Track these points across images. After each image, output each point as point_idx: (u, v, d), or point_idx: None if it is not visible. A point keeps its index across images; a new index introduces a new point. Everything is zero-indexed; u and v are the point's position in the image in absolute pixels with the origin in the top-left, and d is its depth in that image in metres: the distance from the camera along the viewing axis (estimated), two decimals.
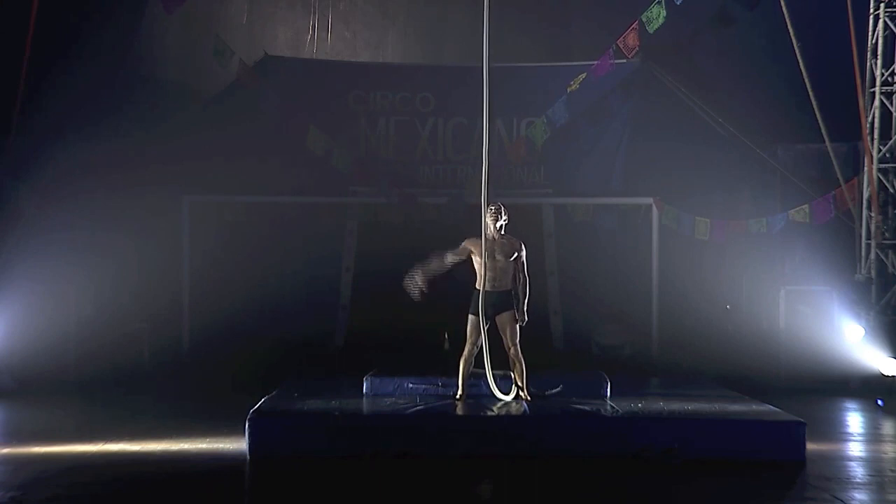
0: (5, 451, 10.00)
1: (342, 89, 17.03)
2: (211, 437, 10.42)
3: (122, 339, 14.82)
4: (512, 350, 10.58)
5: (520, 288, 10.66)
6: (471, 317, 10.59)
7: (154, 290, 15.41)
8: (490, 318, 10.52)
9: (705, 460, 9.40)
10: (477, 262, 10.56)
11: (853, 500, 8.38)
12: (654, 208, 16.18)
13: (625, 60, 15.39)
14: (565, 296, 16.47)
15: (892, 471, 9.49)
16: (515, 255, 10.60)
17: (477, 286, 10.56)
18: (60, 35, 14.38)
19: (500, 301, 10.56)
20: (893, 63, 14.59)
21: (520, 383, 10.62)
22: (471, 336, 10.59)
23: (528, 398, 10.56)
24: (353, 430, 9.70)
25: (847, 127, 14.88)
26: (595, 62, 14.98)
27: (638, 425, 9.80)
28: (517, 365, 10.61)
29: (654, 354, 15.83)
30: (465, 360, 10.64)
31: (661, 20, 13.95)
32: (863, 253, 14.87)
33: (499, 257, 10.54)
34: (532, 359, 10.86)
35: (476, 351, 10.59)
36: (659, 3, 13.93)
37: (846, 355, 14.19)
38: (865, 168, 14.71)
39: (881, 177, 14.65)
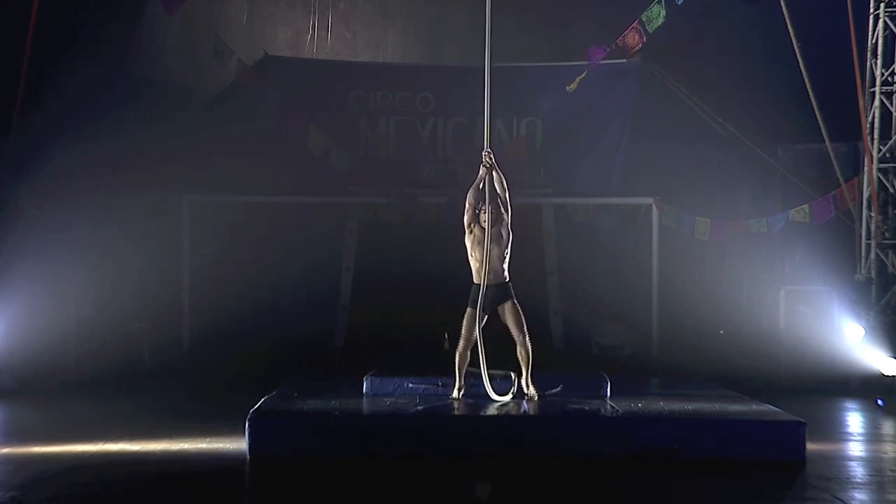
0: (5, 451, 10.00)
1: (342, 89, 17.03)
2: (211, 437, 10.41)
3: (122, 339, 14.83)
4: (520, 338, 10.55)
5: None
6: (469, 310, 10.59)
7: (154, 290, 15.41)
8: (489, 310, 10.53)
9: (705, 460, 9.39)
10: (474, 256, 10.57)
11: (853, 500, 8.37)
12: (654, 208, 16.19)
13: (625, 60, 15.40)
14: (565, 296, 16.47)
15: (892, 471, 9.49)
16: (505, 241, 10.58)
17: (475, 280, 10.58)
18: (60, 35, 14.38)
19: (499, 294, 10.56)
20: (893, 63, 14.59)
21: (523, 375, 10.60)
22: (466, 329, 10.58)
23: (534, 394, 10.54)
24: (353, 430, 9.70)
25: (847, 127, 14.88)
26: (591, 60, 14.99)
27: (638, 425, 9.80)
28: (524, 355, 10.56)
29: (654, 354, 15.83)
30: (461, 356, 10.62)
31: (660, 20, 13.96)
32: (863, 253, 14.87)
33: (494, 250, 10.55)
34: (532, 359, 10.83)
35: (470, 346, 10.57)
36: (659, 2, 13.94)
37: (846, 355, 14.19)
38: (865, 168, 14.71)
39: (881, 177, 14.65)
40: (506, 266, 10.59)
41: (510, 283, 10.62)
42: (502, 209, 10.62)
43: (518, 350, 10.62)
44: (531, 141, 15.98)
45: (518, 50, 16.82)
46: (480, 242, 10.54)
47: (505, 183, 10.65)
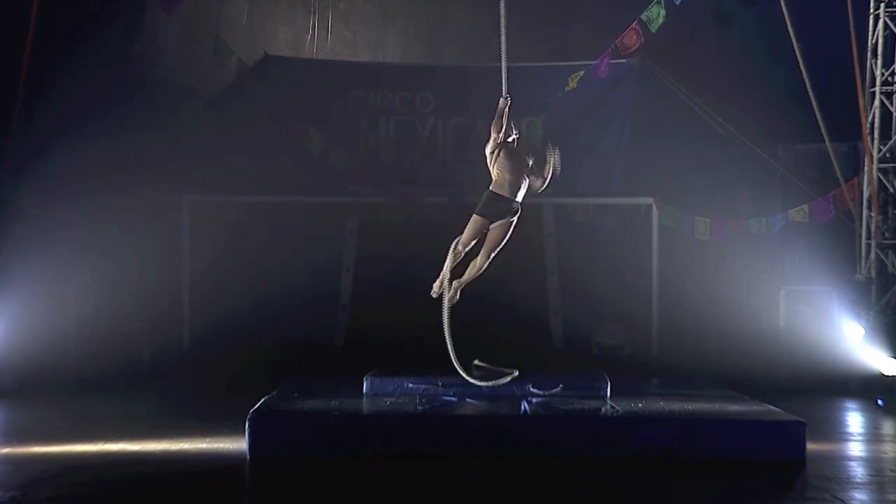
0: (5, 451, 10.01)
1: (342, 89, 17.02)
2: (211, 437, 10.42)
3: (122, 339, 14.82)
4: (486, 253, 10.46)
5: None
6: (476, 216, 10.45)
7: (154, 290, 15.40)
8: (494, 220, 10.41)
9: (705, 460, 9.41)
10: (504, 168, 10.48)
11: (853, 500, 8.38)
12: (654, 208, 16.19)
13: (624, 60, 15.41)
14: (565, 296, 16.46)
15: (892, 471, 9.50)
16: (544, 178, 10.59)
17: (493, 188, 10.49)
18: (60, 35, 14.39)
19: (512, 208, 10.46)
20: (893, 63, 14.59)
21: (460, 280, 10.57)
22: (468, 232, 10.46)
23: (451, 296, 10.57)
24: (353, 430, 9.70)
25: (847, 127, 14.88)
26: (594, 62, 15.01)
27: (638, 425, 9.80)
28: (475, 268, 10.52)
29: (654, 354, 15.83)
30: (455, 251, 10.50)
31: (660, 20, 13.97)
32: (863, 253, 14.87)
33: (527, 179, 10.51)
34: (532, 359, 10.82)
35: (466, 248, 10.46)
36: (658, 3, 13.94)
37: (846, 355, 14.19)
38: (865, 168, 14.71)
39: (881, 177, 14.65)
40: (523, 193, 10.53)
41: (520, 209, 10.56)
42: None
43: (474, 261, 10.54)
44: (531, 141, 15.95)
45: (518, 50, 16.77)
46: (512, 157, 10.45)
47: (503, 126, 10.66)
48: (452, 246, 10.53)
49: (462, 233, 10.54)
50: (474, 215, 10.46)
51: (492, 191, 10.46)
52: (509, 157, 10.47)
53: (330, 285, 16.50)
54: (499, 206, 10.39)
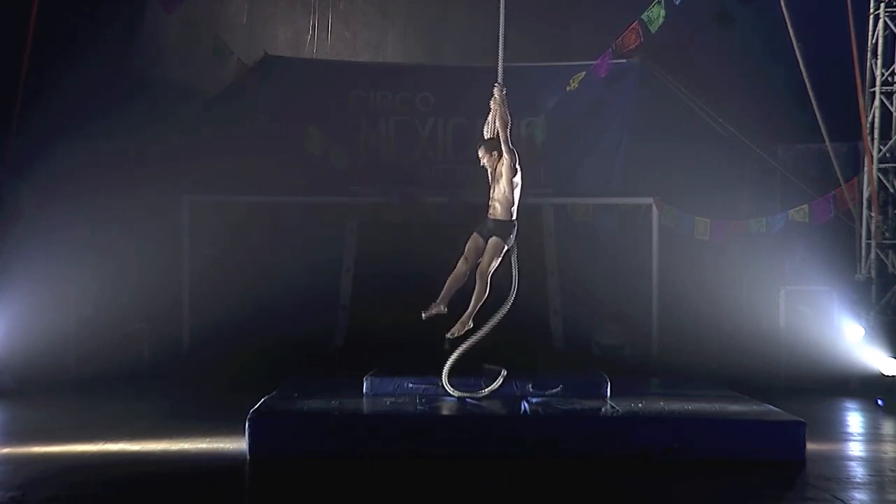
0: (5, 451, 10.01)
1: (342, 89, 17.03)
2: (211, 437, 10.42)
3: (122, 339, 14.83)
4: (483, 272, 10.41)
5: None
6: (473, 234, 10.55)
7: (154, 290, 15.41)
8: (485, 238, 10.45)
9: (705, 460, 9.41)
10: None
11: (853, 500, 8.38)
12: (654, 208, 16.19)
13: (624, 60, 15.40)
14: (565, 296, 16.47)
15: (892, 471, 9.50)
16: (506, 180, 10.48)
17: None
18: (60, 35, 14.40)
19: (495, 227, 10.44)
20: (893, 63, 14.59)
21: (467, 311, 10.49)
22: (466, 250, 10.51)
23: (464, 329, 10.50)
24: (353, 430, 9.70)
25: (847, 127, 14.89)
26: (594, 61, 15.01)
27: (638, 425, 9.80)
28: (477, 294, 10.46)
29: (654, 354, 15.83)
30: (454, 276, 10.53)
31: (660, 20, 13.98)
32: (863, 253, 14.87)
33: (497, 187, 10.50)
34: (532, 359, 10.80)
35: (466, 269, 10.47)
36: (658, 3, 13.95)
37: (846, 355, 14.19)
38: (865, 168, 14.72)
39: (881, 177, 14.66)
40: (511, 208, 10.42)
41: (511, 224, 10.45)
42: (503, 148, 10.57)
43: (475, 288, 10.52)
44: (532, 141, 15.96)
45: (518, 50, 16.78)
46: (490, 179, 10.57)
47: (508, 120, 10.80)
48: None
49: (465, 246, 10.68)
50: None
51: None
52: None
53: (330, 285, 16.50)
54: (481, 222, 10.54)
